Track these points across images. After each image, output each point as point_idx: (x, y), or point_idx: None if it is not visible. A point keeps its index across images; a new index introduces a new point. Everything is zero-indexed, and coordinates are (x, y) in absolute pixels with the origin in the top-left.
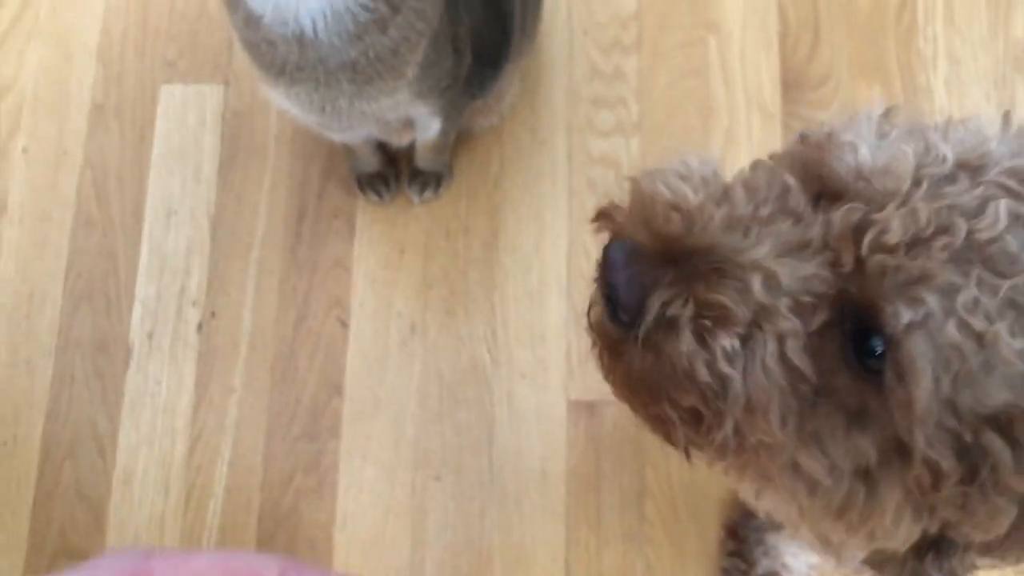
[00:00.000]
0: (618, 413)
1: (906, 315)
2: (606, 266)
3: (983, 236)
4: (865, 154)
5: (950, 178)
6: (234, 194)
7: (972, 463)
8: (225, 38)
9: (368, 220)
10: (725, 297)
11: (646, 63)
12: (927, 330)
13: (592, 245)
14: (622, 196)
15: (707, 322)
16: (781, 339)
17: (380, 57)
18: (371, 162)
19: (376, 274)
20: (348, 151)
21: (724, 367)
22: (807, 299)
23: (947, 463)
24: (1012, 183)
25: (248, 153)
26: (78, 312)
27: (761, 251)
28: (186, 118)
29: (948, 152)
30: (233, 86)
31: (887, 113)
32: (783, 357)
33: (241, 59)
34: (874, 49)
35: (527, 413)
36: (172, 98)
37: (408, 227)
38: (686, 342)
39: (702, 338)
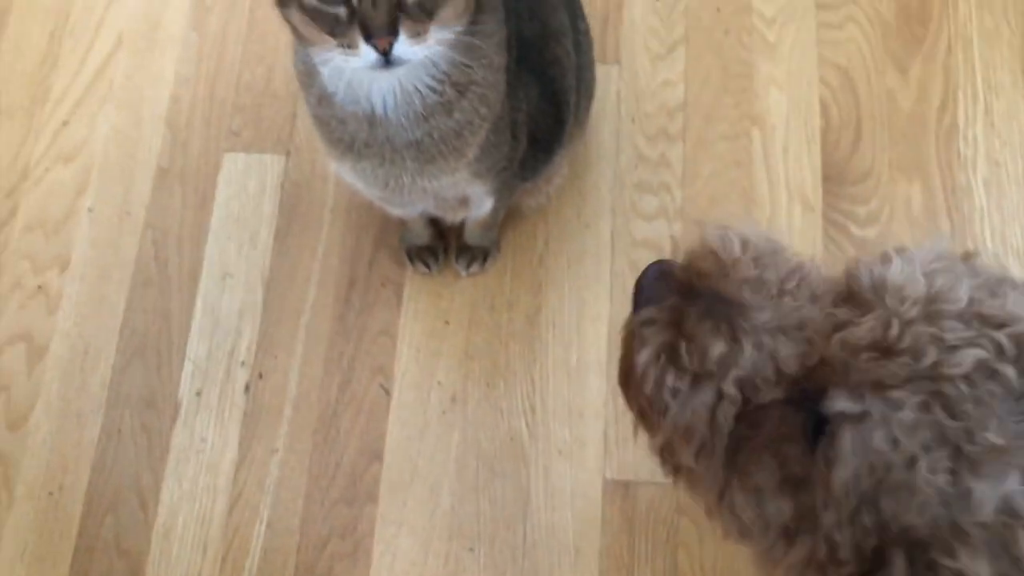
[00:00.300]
0: (654, 494)
1: (842, 404)
2: (643, 273)
3: (946, 371)
4: (891, 272)
5: (959, 318)
6: (288, 260)
7: (870, 565)
8: (288, 111)
9: (415, 290)
10: (685, 348)
11: (691, 152)
12: (862, 427)
13: None
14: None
15: (664, 356)
16: (720, 397)
17: (444, 138)
18: (422, 235)
19: (420, 343)
20: (401, 224)
21: (667, 396)
22: (761, 380)
23: (845, 551)
24: (1008, 343)
25: (304, 221)
26: (130, 368)
27: (762, 317)
28: (247, 185)
29: (964, 295)
30: (293, 157)
31: (966, 256)
32: (713, 411)
33: (302, 131)
34: (915, 148)
35: (563, 489)
36: (234, 166)
37: (454, 299)
38: (645, 356)
39: (659, 363)
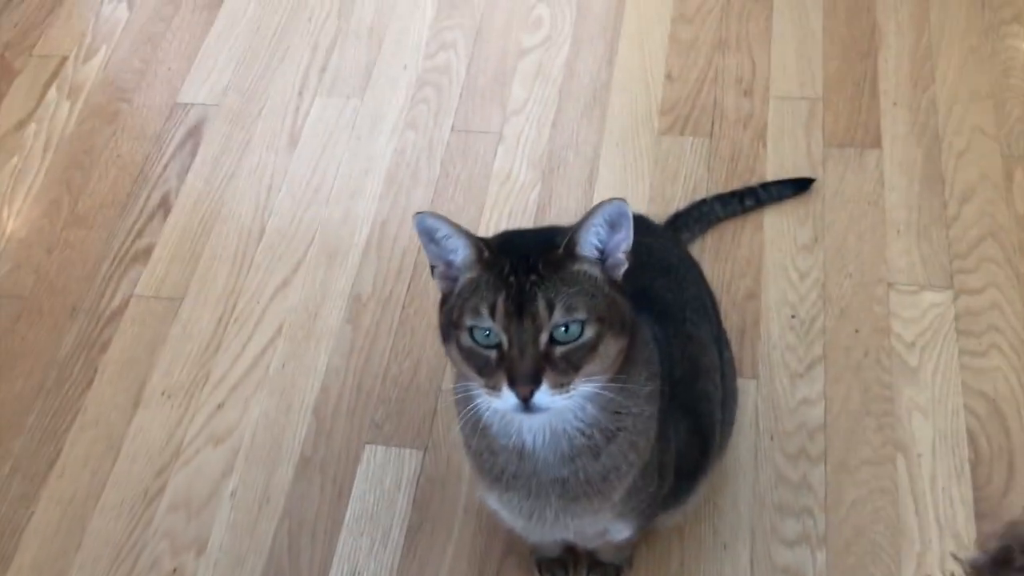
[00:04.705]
0: None
1: None
2: None
3: None
4: None
5: None
6: (418, 561)
7: None
8: (430, 407)
9: None
10: None
11: (833, 476)
12: None
13: None
14: None
15: None
16: None
17: (589, 480)
18: (553, 549)
19: None
20: None
21: None
22: None
23: None
24: None
25: (436, 520)
26: None
27: None
28: (384, 479)
29: None
30: (431, 453)
31: None
32: None
33: (441, 428)
34: None
35: None
36: (373, 458)
37: None
38: None
39: None
